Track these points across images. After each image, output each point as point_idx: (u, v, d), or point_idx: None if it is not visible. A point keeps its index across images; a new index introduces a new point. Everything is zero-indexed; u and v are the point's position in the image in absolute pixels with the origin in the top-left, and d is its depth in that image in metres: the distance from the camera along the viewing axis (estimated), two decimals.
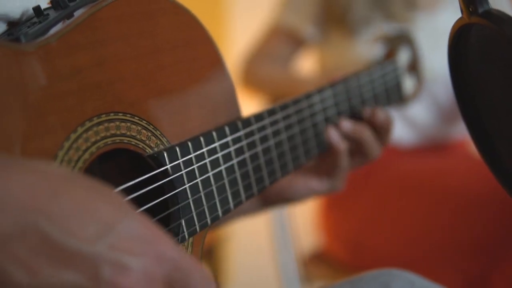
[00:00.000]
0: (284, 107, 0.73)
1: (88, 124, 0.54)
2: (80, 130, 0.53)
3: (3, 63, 0.49)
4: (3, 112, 0.48)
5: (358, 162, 0.84)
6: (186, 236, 0.60)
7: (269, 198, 0.82)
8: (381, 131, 0.83)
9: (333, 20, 1.53)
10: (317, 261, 1.54)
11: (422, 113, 1.54)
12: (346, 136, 0.82)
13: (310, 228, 1.65)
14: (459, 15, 0.59)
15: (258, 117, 0.70)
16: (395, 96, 0.97)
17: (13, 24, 0.60)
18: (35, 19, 0.59)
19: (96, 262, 0.42)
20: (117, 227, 0.44)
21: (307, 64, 1.71)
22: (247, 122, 0.68)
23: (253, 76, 1.55)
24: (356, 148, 0.83)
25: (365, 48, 1.47)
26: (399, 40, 1.05)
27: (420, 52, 1.10)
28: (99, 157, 0.55)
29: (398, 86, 0.98)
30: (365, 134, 0.82)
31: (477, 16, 0.56)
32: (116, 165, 0.61)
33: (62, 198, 0.43)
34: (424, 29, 1.49)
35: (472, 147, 1.61)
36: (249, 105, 1.55)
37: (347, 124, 0.82)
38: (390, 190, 1.46)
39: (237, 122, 0.67)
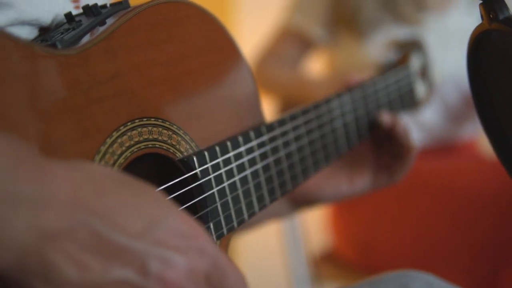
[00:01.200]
0: (305, 111, 0.75)
1: (122, 129, 0.55)
2: (115, 135, 0.55)
3: (44, 68, 0.50)
4: (45, 117, 0.49)
5: (384, 178, 0.87)
6: (214, 239, 0.62)
7: (298, 200, 0.84)
8: (402, 139, 0.85)
9: (342, 22, 1.54)
10: (327, 262, 1.56)
11: (431, 114, 1.55)
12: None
13: (320, 229, 1.67)
14: (469, 15, 0.61)
15: (281, 122, 0.71)
16: (409, 101, 0.98)
17: (45, 30, 0.62)
18: (67, 25, 0.60)
19: (144, 257, 0.43)
20: (161, 223, 0.45)
21: (316, 66, 1.72)
22: (270, 126, 0.69)
23: (263, 78, 1.56)
24: (383, 159, 0.84)
25: (375, 50, 1.48)
26: (411, 45, 1.07)
27: (431, 58, 1.11)
28: (132, 161, 0.57)
29: (411, 92, 0.99)
30: (400, 127, 0.84)
31: (497, 22, 0.57)
32: (148, 169, 0.62)
33: (108, 196, 0.44)
34: (434, 30, 1.50)
35: (480, 148, 1.64)
36: None
37: (387, 116, 0.85)
38: (399, 191, 1.47)
39: (261, 127, 0.68)
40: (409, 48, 1.06)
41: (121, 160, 0.55)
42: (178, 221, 0.46)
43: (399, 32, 1.47)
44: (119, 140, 0.55)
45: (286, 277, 1.56)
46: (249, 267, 1.91)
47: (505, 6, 0.57)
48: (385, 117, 0.85)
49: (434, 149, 1.59)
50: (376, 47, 1.48)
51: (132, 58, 0.57)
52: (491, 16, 0.58)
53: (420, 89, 1.04)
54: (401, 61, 1.03)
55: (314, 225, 1.67)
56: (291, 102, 1.55)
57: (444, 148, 1.59)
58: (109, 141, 0.54)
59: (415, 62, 1.04)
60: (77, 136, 0.51)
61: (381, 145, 0.87)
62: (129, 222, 0.44)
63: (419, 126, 1.56)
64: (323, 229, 1.64)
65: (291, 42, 1.58)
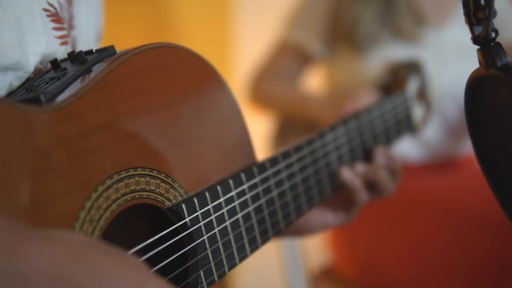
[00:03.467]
0: (298, 148, 0.74)
1: (108, 182, 0.54)
2: (100, 188, 0.54)
3: (22, 129, 0.49)
4: (26, 178, 0.48)
5: (373, 196, 0.86)
6: (205, 287, 0.61)
7: (286, 231, 0.83)
8: (395, 170, 0.84)
9: (340, 37, 1.53)
10: (326, 278, 1.55)
11: (430, 129, 1.53)
12: (361, 177, 0.83)
13: (319, 245, 1.66)
14: (467, 30, 0.60)
15: (273, 161, 0.70)
16: (406, 127, 0.97)
17: (31, 78, 0.61)
18: (52, 73, 0.59)
19: None
20: None
21: (314, 81, 1.71)
22: (262, 167, 0.69)
23: (260, 92, 1.55)
24: (371, 185, 0.84)
25: (373, 65, 1.47)
26: (409, 68, 1.06)
27: (429, 79, 1.10)
28: (120, 213, 0.56)
29: (408, 117, 0.98)
30: (380, 175, 0.83)
31: (495, 69, 0.56)
32: (136, 219, 0.61)
33: (86, 265, 0.43)
34: (432, 46, 1.49)
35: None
36: (257, 121, 1.55)
37: (361, 168, 0.83)
38: (399, 207, 1.46)
39: (252, 168, 0.67)
40: (407, 70, 1.05)
41: (107, 214, 0.54)
42: None
43: (398, 48, 1.46)
44: (105, 194, 0.54)
45: None
46: (247, 283, 1.91)
47: (503, 53, 0.56)
48: (345, 174, 0.83)
49: (433, 165, 1.58)
50: (375, 62, 1.47)
51: (118, 108, 0.57)
52: (489, 62, 0.57)
53: (418, 112, 1.03)
54: (398, 85, 1.02)
55: (314, 241, 1.66)
56: (289, 117, 1.54)
57: (444, 165, 1.58)
58: (94, 195, 0.53)
59: (412, 86, 1.03)
60: (61, 192, 0.51)
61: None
62: None
63: (418, 141, 1.55)
64: (322, 245, 1.63)
65: (289, 57, 1.56)
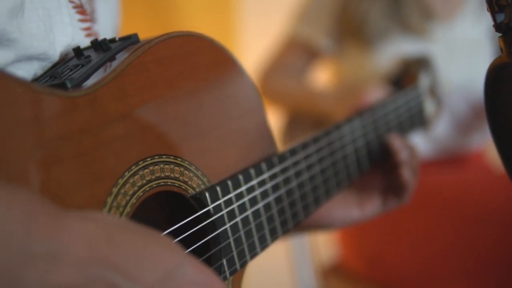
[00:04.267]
0: (316, 139, 0.74)
1: (134, 169, 0.54)
2: (127, 175, 0.54)
3: (50, 112, 0.49)
4: (53, 163, 0.48)
5: (392, 200, 0.86)
6: (228, 276, 0.61)
7: (306, 224, 0.83)
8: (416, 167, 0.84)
9: (349, 32, 1.52)
10: (335, 274, 1.55)
11: (439, 125, 1.53)
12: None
13: (328, 240, 1.66)
14: (477, 25, 0.60)
15: (293, 151, 0.70)
16: (418, 122, 0.98)
17: (53, 66, 0.61)
18: (75, 61, 0.59)
19: None
20: (176, 273, 0.45)
21: (323, 77, 1.71)
22: (282, 157, 0.69)
23: (268, 88, 1.55)
24: (391, 182, 0.83)
25: (382, 60, 1.47)
26: (419, 63, 1.06)
27: (438, 74, 1.10)
28: (144, 200, 0.56)
29: (421, 112, 0.98)
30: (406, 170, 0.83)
31: None
32: (159, 206, 0.61)
33: (122, 246, 0.44)
34: (441, 41, 1.49)
35: (488, 159, 1.62)
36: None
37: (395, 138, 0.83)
38: (408, 203, 1.46)
39: (273, 158, 0.67)
40: (418, 66, 1.05)
41: (133, 200, 0.54)
42: (193, 270, 0.46)
43: (407, 43, 1.46)
44: (131, 180, 0.54)
45: None
46: (255, 279, 1.91)
47: None
48: (396, 142, 0.84)
49: (442, 160, 1.58)
50: (383, 57, 1.47)
51: (143, 96, 0.57)
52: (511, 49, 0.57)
53: (430, 107, 1.03)
54: (410, 80, 1.02)
55: (322, 236, 1.66)
56: (297, 113, 1.54)
57: (452, 160, 1.58)
58: (120, 181, 0.53)
59: (424, 81, 1.03)
60: (87, 179, 0.51)
61: (388, 168, 0.86)
62: (144, 273, 0.43)
63: (427, 137, 1.55)
64: (331, 241, 1.63)
65: (297, 52, 1.56)
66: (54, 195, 0.48)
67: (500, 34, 0.58)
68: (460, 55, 1.49)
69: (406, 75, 1.04)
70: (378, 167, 0.87)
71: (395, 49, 1.44)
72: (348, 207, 0.84)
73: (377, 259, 1.46)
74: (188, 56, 0.62)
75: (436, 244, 1.40)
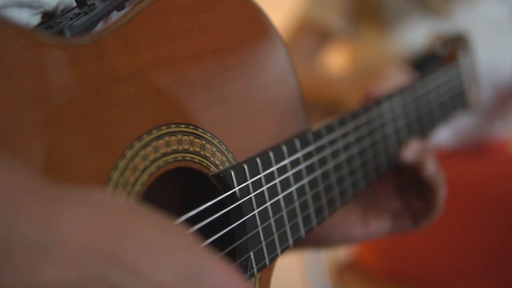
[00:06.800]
0: (355, 115, 0.64)
1: (146, 138, 0.44)
2: (137, 145, 0.43)
3: (50, 62, 0.39)
4: (51, 124, 0.38)
5: (406, 222, 0.70)
6: (255, 272, 0.51)
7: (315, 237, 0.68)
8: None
9: (365, 12, 1.44)
10: (351, 270, 1.46)
11: (462, 115, 1.44)
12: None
13: None
14: (501, 4, 0.50)
15: (329, 128, 0.60)
16: (460, 102, 0.87)
17: (49, 16, 0.51)
18: (77, 10, 0.49)
19: None
20: (198, 275, 0.35)
21: (337, 60, 1.61)
22: (317, 134, 0.58)
23: None
24: (409, 201, 0.69)
25: (400, 43, 1.38)
26: (457, 41, 0.96)
27: (475, 56, 1.01)
28: (157, 178, 0.46)
29: (462, 92, 0.88)
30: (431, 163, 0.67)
31: None
32: (173, 186, 0.51)
33: (130, 238, 0.33)
34: (463, 22, 1.39)
35: None
36: None
37: (416, 144, 0.68)
38: None
39: (307, 135, 0.57)
40: (456, 43, 0.95)
41: (144, 177, 0.44)
42: (218, 272, 0.36)
43: (426, 24, 1.36)
44: (142, 152, 0.44)
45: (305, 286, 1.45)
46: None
47: None
48: (409, 154, 0.68)
49: (464, 150, 1.49)
50: (401, 39, 1.38)
51: (157, 50, 0.46)
52: None
53: (471, 89, 0.93)
54: (449, 59, 0.92)
55: None
56: (310, 100, 1.44)
57: (476, 150, 1.49)
58: (129, 153, 0.43)
59: (463, 60, 0.93)
60: (89, 148, 0.40)
61: (405, 182, 0.70)
62: (158, 274, 0.33)
63: (449, 126, 1.45)
64: None
65: (309, 35, 1.47)
66: (49, 166, 0.38)
67: None
68: (484, 37, 1.39)
69: (445, 55, 0.93)
70: (390, 178, 0.70)
71: (414, 31, 1.35)
72: (350, 223, 0.69)
73: (394, 255, 1.37)
74: (213, 7, 0.51)
75: (457, 239, 1.31)
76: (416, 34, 1.33)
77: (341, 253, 1.52)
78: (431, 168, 0.66)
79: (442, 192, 0.67)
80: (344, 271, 1.47)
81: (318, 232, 0.65)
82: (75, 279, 0.30)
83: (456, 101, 0.85)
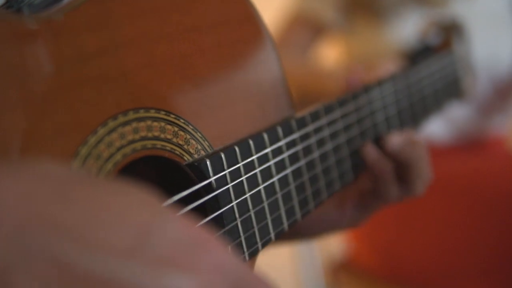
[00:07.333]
0: (342, 102, 0.60)
1: (111, 124, 0.41)
2: (101, 131, 0.40)
3: (3, 41, 0.35)
4: (4, 110, 0.35)
5: (397, 194, 0.66)
6: None
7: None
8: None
9: (359, 5, 1.41)
10: (345, 270, 1.43)
11: (457, 106, 1.41)
12: (392, 156, 0.63)
13: (337, 234, 1.52)
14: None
15: (314, 115, 0.56)
16: (454, 92, 0.84)
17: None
18: None
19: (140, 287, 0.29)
20: (157, 234, 0.30)
21: (331, 54, 1.58)
22: (302, 121, 0.55)
23: None
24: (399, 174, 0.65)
25: (395, 35, 1.35)
26: (451, 29, 0.92)
27: (470, 44, 0.97)
28: (124, 167, 0.42)
29: (456, 81, 0.85)
30: (418, 152, 0.63)
31: None
32: (143, 176, 0.48)
33: (75, 203, 0.29)
34: (461, 14, 1.36)
35: (509, 145, 1.50)
36: None
37: (396, 139, 0.63)
38: (424, 193, 1.33)
39: (290, 122, 0.54)
40: (450, 30, 0.92)
41: (108, 165, 0.40)
42: (181, 230, 0.31)
43: (422, 16, 1.33)
44: (106, 139, 0.40)
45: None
46: None
47: None
48: (370, 153, 0.63)
49: (460, 146, 1.46)
50: (397, 32, 1.35)
51: (126, 29, 0.43)
52: None
53: (465, 77, 0.90)
54: (443, 46, 0.88)
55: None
56: (303, 94, 1.41)
57: (472, 146, 1.46)
58: (92, 139, 0.39)
59: (458, 48, 0.90)
60: (45, 134, 0.37)
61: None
62: (110, 236, 0.29)
63: (444, 119, 1.42)
64: (341, 234, 1.49)
65: (302, 28, 1.44)
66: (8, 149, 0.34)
67: None
68: (481, 29, 1.37)
69: (439, 43, 0.90)
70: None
71: (410, 24, 1.32)
72: (327, 208, 0.65)
73: (390, 253, 1.35)
74: None
75: (453, 238, 1.29)
76: (412, 27, 1.30)
77: (336, 252, 1.49)
78: (396, 141, 0.62)
79: (419, 166, 0.63)
80: (338, 270, 1.44)
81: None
82: (11, 256, 0.27)
83: (450, 89, 0.82)
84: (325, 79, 1.32)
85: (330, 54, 1.59)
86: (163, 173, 0.48)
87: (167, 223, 0.31)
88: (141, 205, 0.31)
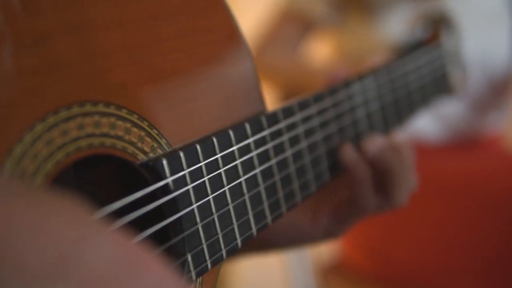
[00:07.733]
0: (318, 98, 0.56)
1: (51, 120, 0.37)
2: (39, 127, 0.36)
3: None
4: None
5: (375, 205, 0.60)
6: (193, 277, 0.43)
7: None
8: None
9: (351, 0, 1.38)
10: (336, 272, 1.40)
11: (452, 104, 1.37)
12: (372, 160, 0.59)
13: None
14: None
15: (287, 111, 0.52)
16: (443, 87, 0.80)
17: None
18: None
19: None
20: (88, 251, 0.27)
21: (322, 50, 1.54)
22: (273, 117, 0.51)
23: (262, 66, 1.40)
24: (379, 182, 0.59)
25: (387, 31, 1.32)
26: (440, 22, 0.89)
27: (461, 38, 0.94)
28: (68, 167, 0.38)
29: (445, 76, 0.81)
30: (399, 158, 0.58)
31: None
32: (95, 177, 0.44)
33: (8, 223, 0.26)
34: (455, 9, 1.32)
35: (505, 144, 1.46)
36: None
37: (376, 143, 0.59)
38: (416, 193, 1.30)
39: (260, 118, 0.50)
40: (439, 24, 0.88)
41: (48, 166, 0.36)
42: (114, 248, 0.28)
43: (416, 13, 1.29)
44: (46, 136, 0.36)
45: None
46: (244, 280, 1.73)
47: None
48: (348, 154, 0.58)
49: (456, 145, 1.43)
50: (389, 28, 1.32)
51: (73, 13, 0.39)
52: None
53: (454, 73, 0.86)
54: (431, 40, 0.85)
55: None
56: (294, 91, 1.38)
57: (467, 145, 1.43)
58: (28, 137, 0.35)
59: (447, 42, 0.86)
60: None
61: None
62: (29, 258, 0.26)
63: (438, 118, 1.39)
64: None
65: (292, 25, 1.41)
66: None
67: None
68: (476, 25, 1.34)
69: (427, 37, 0.87)
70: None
71: (402, 19, 1.29)
72: (300, 219, 0.61)
73: (382, 255, 1.32)
74: None
75: (447, 238, 1.26)
76: (405, 23, 1.27)
77: (326, 254, 1.46)
78: (375, 145, 0.58)
79: (401, 174, 0.58)
80: (329, 273, 1.41)
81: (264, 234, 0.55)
82: None
83: (438, 85, 0.78)
84: (314, 75, 1.29)
85: (322, 50, 1.56)
86: (121, 174, 0.44)
87: (99, 240, 0.28)
88: (69, 220, 0.28)
